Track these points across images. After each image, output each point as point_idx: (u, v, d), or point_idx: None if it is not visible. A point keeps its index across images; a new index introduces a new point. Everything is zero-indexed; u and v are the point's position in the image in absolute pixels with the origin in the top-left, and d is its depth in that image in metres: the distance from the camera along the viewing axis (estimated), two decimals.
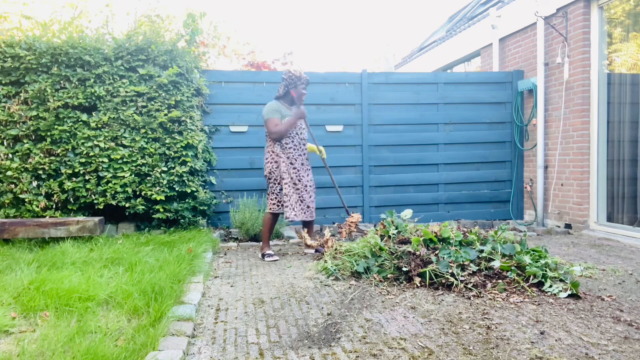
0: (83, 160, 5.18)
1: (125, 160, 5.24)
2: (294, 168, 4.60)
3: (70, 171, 5.17)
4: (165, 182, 5.31)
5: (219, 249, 5.04)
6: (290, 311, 3.00)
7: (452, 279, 3.38)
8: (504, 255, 3.66)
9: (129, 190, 5.23)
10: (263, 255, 4.56)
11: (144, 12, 6.00)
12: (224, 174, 6.04)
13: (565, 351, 2.34)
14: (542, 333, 2.57)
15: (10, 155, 5.11)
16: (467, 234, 3.98)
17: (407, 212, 4.36)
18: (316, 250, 4.77)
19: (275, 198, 4.65)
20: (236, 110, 6.06)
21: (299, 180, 4.62)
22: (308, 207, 4.66)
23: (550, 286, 3.31)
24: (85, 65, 5.24)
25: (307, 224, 4.83)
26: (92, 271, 3.44)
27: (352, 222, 4.76)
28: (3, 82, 5.12)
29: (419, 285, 3.45)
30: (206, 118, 5.96)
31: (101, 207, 5.27)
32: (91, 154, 5.19)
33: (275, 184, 4.64)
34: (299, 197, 4.62)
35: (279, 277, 3.86)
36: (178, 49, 5.45)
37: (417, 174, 6.49)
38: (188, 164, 5.39)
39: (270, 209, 4.68)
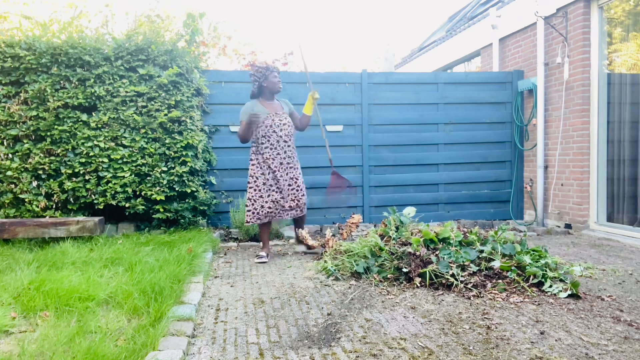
0: (83, 160, 5.18)
1: (125, 160, 5.24)
2: (269, 168, 4.50)
3: (70, 171, 5.16)
4: (165, 182, 5.31)
5: (219, 249, 5.04)
6: (290, 311, 3.00)
7: (452, 279, 3.38)
8: (504, 255, 3.66)
9: (129, 190, 5.23)
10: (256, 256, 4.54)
11: (144, 12, 6.00)
12: (224, 174, 6.04)
13: (565, 351, 2.34)
14: (542, 333, 2.57)
15: (10, 155, 5.11)
16: (467, 234, 3.98)
17: (410, 210, 4.35)
18: (308, 248, 4.73)
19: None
20: (236, 110, 6.04)
21: (276, 182, 4.51)
22: (283, 206, 4.55)
23: (550, 286, 3.31)
24: (85, 65, 5.24)
25: (297, 222, 4.81)
26: (92, 271, 3.44)
27: (352, 223, 4.77)
28: (3, 82, 5.11)
29: (419, 285, 3.45)
30: (206, 118, 5.96)
31: (101, 207, 5.27)
32: (91, 154, 5.18)
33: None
34: (273, 198, 4.51)
35: (279, 277, 3.86)
36: (178, 49, 5.45)
37: (417, 174, 6.49)
38: (188, 164, 5.38)
39: None
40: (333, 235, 4.63)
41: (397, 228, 4.15)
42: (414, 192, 6.50)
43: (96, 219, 4.84)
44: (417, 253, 3.62)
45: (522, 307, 3.00)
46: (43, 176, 5.15)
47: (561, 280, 3.42)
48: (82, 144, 5.19)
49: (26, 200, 5.11)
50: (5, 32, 5.31)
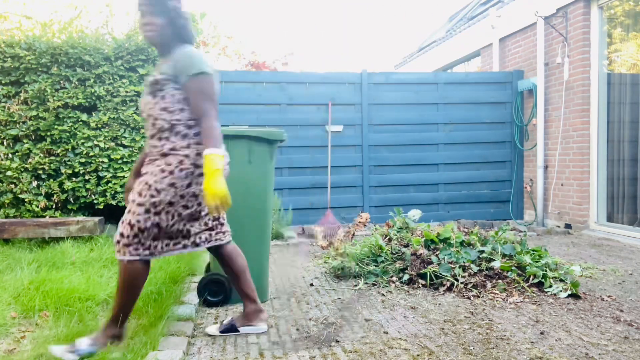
0: (83, 160, 5.17)
1: (125, 160, 5.24)
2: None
3: (70, 171, 5.16)
4: None
5: None
6: (290, 311, 3.00)
7: (452, 280, 3.38)
8: (504, 256, 3.66)
9: None
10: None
11: None
12: None
13: (565, 351, 2.34)
14: (542, 333, 2.57)
15: (10, 155, 5.11)
16: (467, 234, 3.98)
17: (416, 213, 4.34)
18: (322, 248, 4.70)
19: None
20: (236, 110, 6.05)
21: None
22: None
23: (550, 286, 3.31)
24: (85, 65, 5.24)
25: None
26: (92, 271, 3.44)
27: (359, 222, 4.77)
28: (3, 82, 5.11)
29: (419, 285, 3.45)
30: None
31: (101, 207, 5.26)
32: (91, 154, 5.18)
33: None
34: None
35: (279, 278, 3.86)
36: None
37: (417, 174, 6.49)
38: None
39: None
40: (344, 235, 4.63)
41: (399, 229, 4.15)
42: (414, 192, 6.50)
43: (96, 219, 4.83)
44: (418, 253, 3.62)
45: (522, 307, 3.00)
46: (43, 176, 5.14)
47: (561, 280, 3.42)
48: (82, 144, 5.19)
49: (26, 200, 5.10)
50: (5, 32, 5.31)
